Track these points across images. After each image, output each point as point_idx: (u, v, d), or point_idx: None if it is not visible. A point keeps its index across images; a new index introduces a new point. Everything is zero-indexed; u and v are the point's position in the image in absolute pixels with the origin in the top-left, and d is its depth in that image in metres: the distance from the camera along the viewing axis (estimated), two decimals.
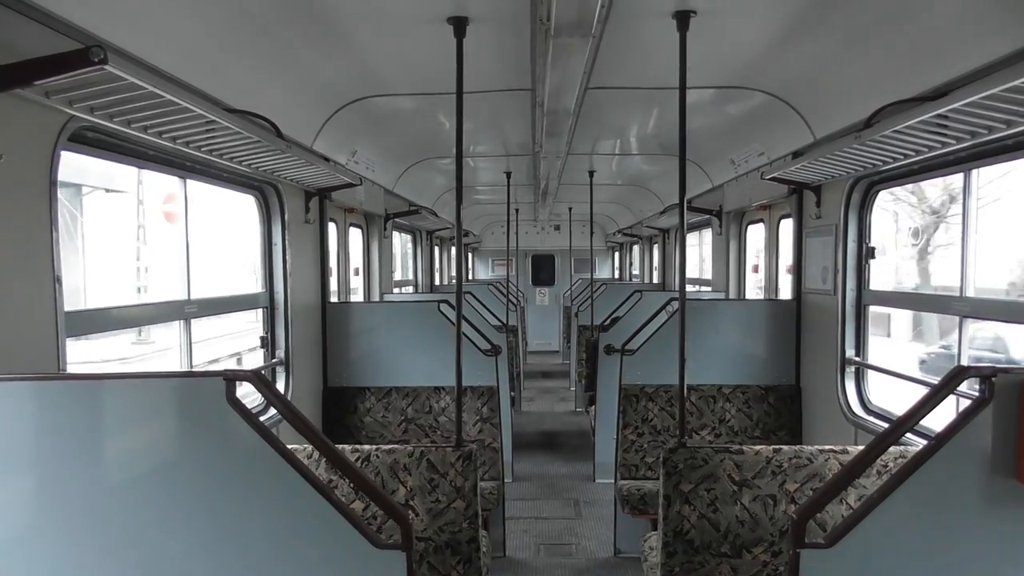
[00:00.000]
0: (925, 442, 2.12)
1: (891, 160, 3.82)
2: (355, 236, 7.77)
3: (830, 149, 3.99)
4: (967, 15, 2.90)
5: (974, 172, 3.74)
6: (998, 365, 1.97)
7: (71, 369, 2.81)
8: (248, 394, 2.21)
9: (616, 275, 18.50)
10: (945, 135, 3.20)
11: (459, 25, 3.53)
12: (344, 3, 3.34)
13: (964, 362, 3.84)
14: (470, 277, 17.93)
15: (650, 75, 4.57)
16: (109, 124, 2.77)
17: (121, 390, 2.11)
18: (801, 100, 4.65)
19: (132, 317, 3.65)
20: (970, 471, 2.02)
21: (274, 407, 2.33)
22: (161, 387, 2.12)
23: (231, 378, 2.03)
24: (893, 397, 4.70)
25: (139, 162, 3.56)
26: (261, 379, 2.10)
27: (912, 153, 3.58)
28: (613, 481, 5.62)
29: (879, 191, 4.68)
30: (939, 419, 2.49)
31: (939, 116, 2.99)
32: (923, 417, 2.11)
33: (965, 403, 2.09)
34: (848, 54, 3.73)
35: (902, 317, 14.28)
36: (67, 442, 2.07)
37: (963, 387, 2.22)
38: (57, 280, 2.68)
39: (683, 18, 3.44)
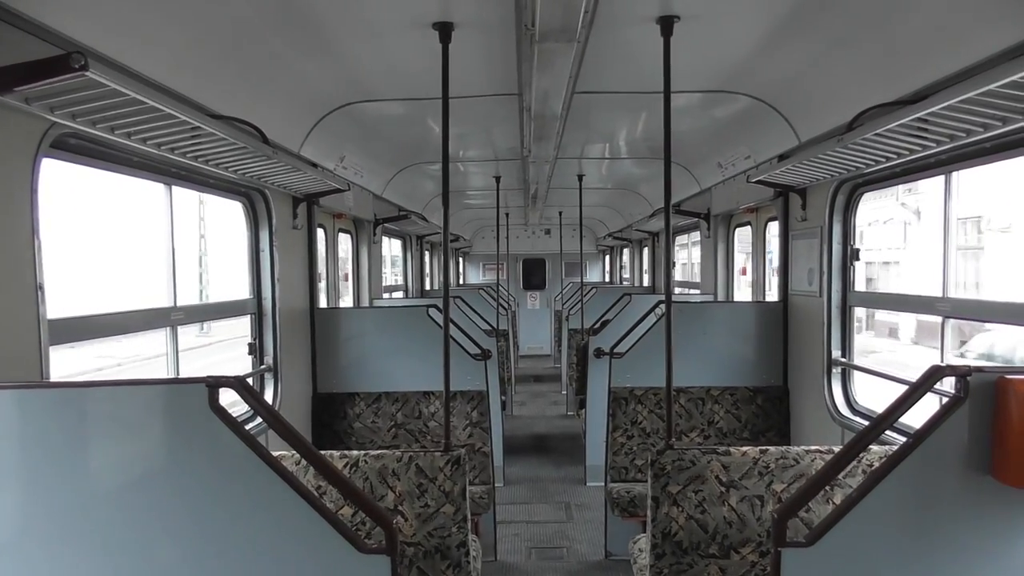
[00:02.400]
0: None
1: (874, 163, 3.85)
2: (344, 242, 7.77)
3: (814, 152, 4.03)
4: (946, 20, 2.94)
5: (954, 174, 3.78)
6: (974, 364, 2.00)
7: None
8: (238, 400, 2.21)
9: (606, 278, 18.54)
10: (926, 138, 3.24)
11: (444, 31, 3.54)
12: (329, 9, 3.35)
13: (947, 361, 3.88)
14: (461, 282, 17.92)
15: (636, 79, 4.59)
16: (91, 131, 2.76)
17: (104, 398, 2.11)
18: (785, 103, 4.69)
19: (117, 325, 3.63)
20: (947, 468, 2.04)
21: (258, 414, 2.33)
22: (144, 394, 2.12)
23: (214, 385, 2.03)
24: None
25: (123, 169, 3.55)
26: (244, 386, 2.10)
27: (894, 156, 3.62)
28: (603, 484, 5.63)
29: (863, 193, 4.73)
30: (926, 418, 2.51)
31: (919, 119, 3.03)
32: (901, 415, 2.13)
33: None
34: (830, 58, 3.77)
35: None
36: (51, 450, 2.07)
37: (945, 386, 2.24)
38: (40, 288, 2.67)
39: (667, 23, 3.46)
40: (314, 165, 5.12)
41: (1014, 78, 2.41)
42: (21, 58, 2.24)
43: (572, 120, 5.26)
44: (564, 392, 11.85)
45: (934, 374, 2.03)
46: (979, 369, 1.97)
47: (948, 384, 2.16)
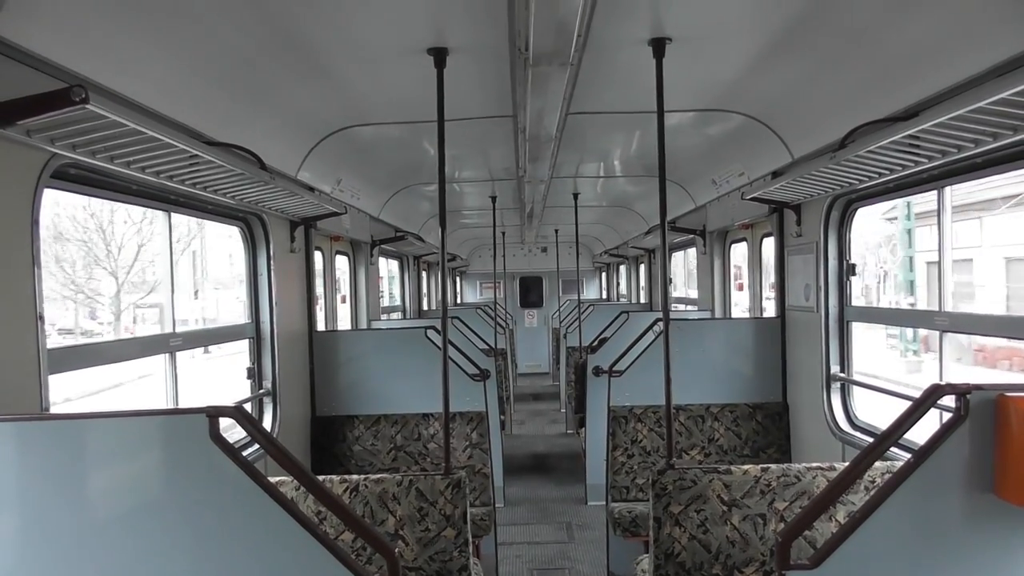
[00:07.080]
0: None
1: (867, 179, 3.89)
2: (341, 264, 7.78)
3: (807, 169, 4.06)
4: (936, 38, 2.98)
5: (947, 189, 3.82)
6: (973, 382, 2.00)
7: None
8: (234, 425, 2.20)
9: (603, 295, 18.56)
10: (917, 154, 3.27)
11: (439, 56, 3.58)
12: (324, 36, 3.38)
13: (945, 376, 3.89)
14: (458, 301, 17.92)
15: (629, 100, 4.63)
16: (92, 161, 2.78)
17: (104, 429, 2.10)
18: (778, 121, 4.74)
19: (116, 352, 3.63)
20: (949, 487, 2.04)
21: (257, 442, 2.32)
22: (144, 425, 2.11)
23: (214, 414, 2.02)
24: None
25: (123, 197, 3.57)
26: (243, 414, 2.10)
27: (887, 172, 3.65)
28: (605, 504, 5.60)
29: (858, 208, 4.76)
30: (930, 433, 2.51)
31: (910, 136, 3.06)
32: (903, 434, 2.13)
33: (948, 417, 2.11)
34: (822, 76, 3.81)
35: None
36: (50, 482, 2.05)
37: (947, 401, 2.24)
38: (40, 318, 2.67)
39: (659, 45, 3.50)
40: (311, 189, 5.14)
41: (1004, 95, 2.44)
42: (22, 91, 2.26)
43: (567, 140, 5.29)
44: (563, 410, 11.81)
45: (934, 392, 2.04)
46: (979, 387, 1.97)
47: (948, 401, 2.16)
